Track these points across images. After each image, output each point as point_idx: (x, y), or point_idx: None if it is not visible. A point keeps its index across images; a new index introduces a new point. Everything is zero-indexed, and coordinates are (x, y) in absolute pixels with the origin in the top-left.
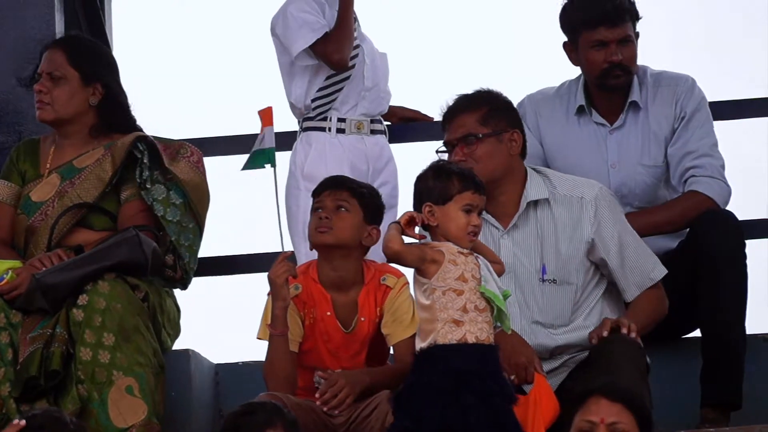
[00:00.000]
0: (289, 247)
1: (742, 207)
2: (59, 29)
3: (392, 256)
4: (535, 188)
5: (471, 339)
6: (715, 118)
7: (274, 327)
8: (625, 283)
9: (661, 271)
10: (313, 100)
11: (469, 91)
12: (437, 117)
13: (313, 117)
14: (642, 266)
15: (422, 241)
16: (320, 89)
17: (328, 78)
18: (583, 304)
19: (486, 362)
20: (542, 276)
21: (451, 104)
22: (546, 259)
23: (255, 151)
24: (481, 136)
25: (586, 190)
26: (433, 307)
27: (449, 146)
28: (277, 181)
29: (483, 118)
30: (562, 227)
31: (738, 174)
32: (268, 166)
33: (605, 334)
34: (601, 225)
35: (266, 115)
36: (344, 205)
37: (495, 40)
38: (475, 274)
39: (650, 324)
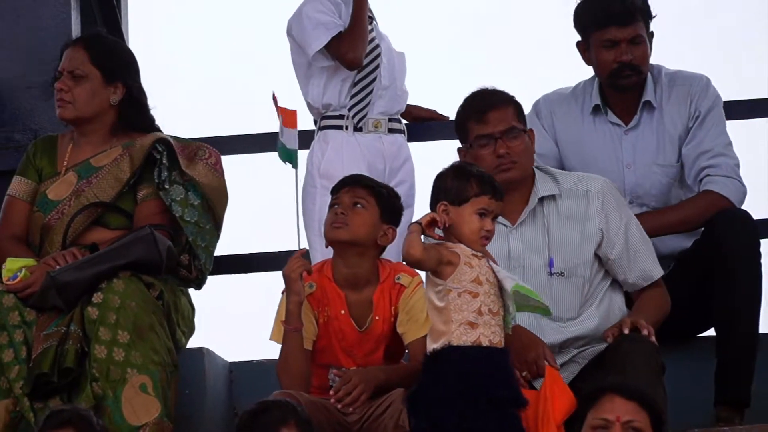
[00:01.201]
0: (305, 245)
1: (755, 206)
2: (75, 28)
3: (414, 264)
4: (544, 185)
5: (485, 342)
6: (727, 118)
7: (288, 323)
8: (628, 275)
9: (659, 271)
10: (350, 109)
11: (475, 89)
12: (453, 116)
13: (353, 116)
14: (646, 259)
15: (438, 241)
16: (353, 96)
17: (357, 83)
18: (592, 296)
19: (498, 366)
20: (550, 269)
21: (483, 97)
22: (553, 252)
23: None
24: (526, 129)
25: (590, 183)
26: (447, 308)
27: (488, 140)
28: (298, 183)
29: (516, 113)
30: (569, 221)
31: (751, 173)
32: (290, 165)
33: (626, 331)
34: (609, 216)
35: (289, 118)
36: (361, 202)
37: (511, 41)
38: (489, 278)
39: (657, 323)
